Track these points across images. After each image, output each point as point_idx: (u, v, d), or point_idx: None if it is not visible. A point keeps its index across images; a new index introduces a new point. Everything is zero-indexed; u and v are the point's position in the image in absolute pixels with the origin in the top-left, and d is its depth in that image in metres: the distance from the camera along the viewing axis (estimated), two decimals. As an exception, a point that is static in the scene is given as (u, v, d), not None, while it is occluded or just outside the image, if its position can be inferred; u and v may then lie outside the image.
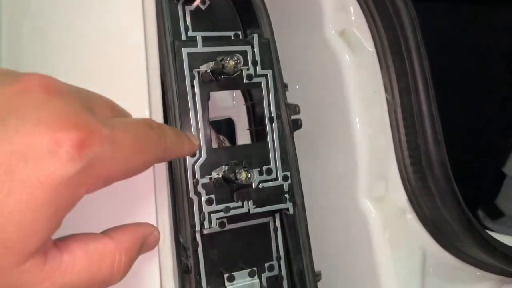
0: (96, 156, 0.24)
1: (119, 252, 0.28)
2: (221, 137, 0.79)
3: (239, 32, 0.64)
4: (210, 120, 0.74)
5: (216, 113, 0.72)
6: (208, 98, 0.63)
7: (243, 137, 0.71)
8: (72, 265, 0.25)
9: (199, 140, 0.55)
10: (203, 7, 0.62)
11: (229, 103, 0.72)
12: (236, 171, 0.54)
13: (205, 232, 0.57)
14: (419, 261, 0.60)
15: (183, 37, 0.60)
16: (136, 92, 0.46)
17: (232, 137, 0.76)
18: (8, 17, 0.56)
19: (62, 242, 0.26)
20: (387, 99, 0.58)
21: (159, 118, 0.51)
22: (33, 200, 0.21)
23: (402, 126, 0.57)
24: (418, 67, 0.56)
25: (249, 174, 0.53)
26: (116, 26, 0.47)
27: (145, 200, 0.47)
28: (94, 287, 0.27)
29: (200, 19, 0.63)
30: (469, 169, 0.63)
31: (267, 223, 0.65)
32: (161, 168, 0.50)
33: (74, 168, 0.22)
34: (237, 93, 0.69)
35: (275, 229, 0.65)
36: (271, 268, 0.63)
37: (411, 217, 0.60)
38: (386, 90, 0.58)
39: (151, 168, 0.49)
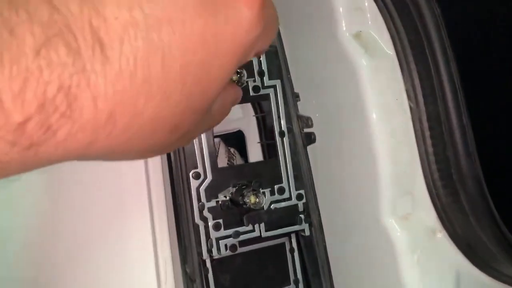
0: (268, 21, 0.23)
1: None
2: (232, 150, 0.74)
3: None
4: (219, 133, 0.70)
5: (225, 126, 0.68)
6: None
7: (255, 149, 0.66)
8: None
9: (204, 160, 0.51)
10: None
11: (238, 115, 0.67)
12: (244, 194, 0.49)
13: (215, 257, 0.53)
14: (453, 284, 0.54)
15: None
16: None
17: (243, 150, 0.72)
18: None
19: None
20: (410, 106, 0.52)
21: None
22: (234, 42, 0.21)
23: (428, 136, 0.51)
24: (444, 71, 0.49)
25: (257, 199, 0.49)
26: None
27: (141, 231, 0.43)
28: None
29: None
30: (505, 183, 0.56)
31: (283, 244, 0.60)
32: (159, 193, 0.45)
33: (257, 31, 0.22)
34: (247, 104, 0.64)
35: (292, 250, 0.60)
36: (288, 293, 0.58)
37: (441, 236, 0.54)
38: (409, 97, 0.52)
39: (146, 194, 0.45)
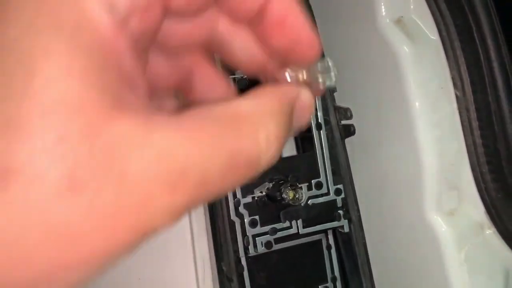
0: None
1: (261, 115, 0.20)
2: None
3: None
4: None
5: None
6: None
7: (288, 145, 0.64)
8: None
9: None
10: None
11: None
12: (282, 190, 0.47)
13: (250, 254, 0.51)
14: (502, 283, 0.51)
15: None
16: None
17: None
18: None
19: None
20: (456, 95, 0.49)
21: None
22: None
23: (477, 127, 0.48)
24: (495, 56, 0.46)
25: (297, 194, 0.47)
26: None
27: (180, 229, 0.41)
28: (234, 170, 0.19)
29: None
30: None
31: (320, 241, 0.58)
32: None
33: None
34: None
35: (329, 247, 0.58)
36: (326, 291, 0.56)
37: (490, 232, 0.51)
38: (455, 85, 0.49)
39: None
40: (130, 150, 0.16)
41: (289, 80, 0.24)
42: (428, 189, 0.50)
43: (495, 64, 0.46)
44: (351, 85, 0.55)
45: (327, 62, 0.24)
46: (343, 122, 0.53)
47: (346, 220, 0.52)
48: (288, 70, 0.24)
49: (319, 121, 0.52)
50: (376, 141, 0.54)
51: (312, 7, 0.56)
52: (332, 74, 0.24)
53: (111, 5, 0.17)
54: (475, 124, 0.49)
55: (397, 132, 0.52)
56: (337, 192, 0.52)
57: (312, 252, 0.57)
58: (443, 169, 0.50)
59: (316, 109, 0.52)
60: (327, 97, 0.52)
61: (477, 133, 0.49)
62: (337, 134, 0.52)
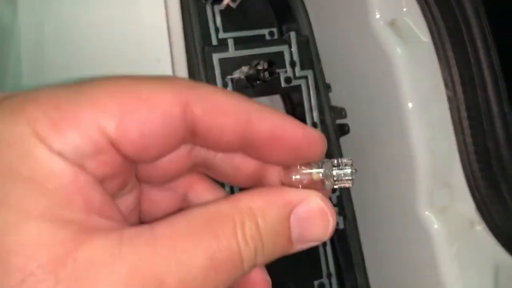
0: None
1: (243, 214, 0.19)
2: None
3: (274, 30, 0.59)
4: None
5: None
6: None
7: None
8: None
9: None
10: (233, 5, 0.57)
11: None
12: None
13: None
14: (492, 278, 0.53)
15: (214, 40, 0.55)
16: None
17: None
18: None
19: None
20: (448, 96, 0.51)
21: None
22: None
23: (467, 126, 0.50)
24: (484, 57, 0.48)
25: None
26: (139, 37, 0.42)
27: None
28: (216, 271, 0.18)
29: (231, 18, 0.57)
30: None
31: (315, 238, 0.59)
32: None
33: None
34: (276, 97, 0.64)
35: (324, 244, 0.59)
36: (321, 287, 0.57)
37: (480, 228, 0.52)
38: (446, 86, 0.51)
39: None
40: (99, 271, 0.16)
41: (293, 180, 0.22)
42: (421, 186, 0.52)
43: (484, 65, 0.48)
44: (345, 85, 0.57)
45: (341, 161, 0.22)
46: (338, 121, 0.54)
47: (341, 217, 0.54)
48: (293, 173, 0.22)
49: (315, 120, 0.53)
50: (370, 140, 0.56)
51: (307, 6, 0.57)
52: (349, 171, 0.22)
53: (61, 152, 0.18)
54: (465, 123, 0.50)
55: (390, 131, 0.53)
56: (332, 190, 0.53)
57: (308, 249, 0.58)
58: (435, 167, 0.51)
59: (311, 109, 0.53)
60: (322, 97, 0.53)
61: (467, 132, 0.50)
62: (332, 133, 0.54)
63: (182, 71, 0.45)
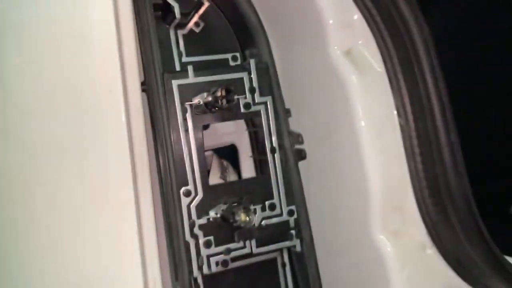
0: None
1: None
2: (225, 162, 0.75)
3: (237, 54, 0.60)
4: (213, 147, 0.70)
5: (217, 140, 0.68)
6: (206, 127, 0.59)
7: (248, 163, 0.66)
8: None
9: (195, 177, 0.51)
10: (197, 30, 0.58)
11: (231, 129, 0.67)
12: (235, 212, 0.50)
13: (205, 273, 0.53)
14: (443, 300, 0.54)
15: (177, 64, 0.56)
16: (117, 136, 0.42)
17: (235, 162, 0.72)
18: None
19: None
20: (400, 124, 0.53)
21: (145, 157, 0.46)
22: None
23: (418, 154, 0.52)
24: (433, 89, 0.50)
25: (248, 217, 0.49)
26: (90, 64, 0.42)
27: (130, 251, 0.43)
28: None
29: (195, 42, 0.58)
30: (493, 200, 0.57)
31: (275, 259, 0.60)
32: (148, 209, 0.45)
33: None
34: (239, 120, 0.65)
35: (283, 265, 0.60)
36: (280, 308, 0.58)
37: (431, 252, 0.54)
38: (399, 114, 0.53)
39: (134, 211, 0.44)
40: None
41: None
42: (374, 210, 0.53)
43: (433, 96, 0.50)
44: (304, 111, 0.58)
45: None
46: (296, 146, 0.55)
47: (299, 240, 0.55)
48: None
49: (274, 145, 0.55)
50: (326, 165, 0.57)
51: (268, 32, 0.58)
52: None
53: None
54: (416, 150, 0.52)
55: (345, 156, 0.55)
56: (290, 213, 0.55)
57: (268, 270, 0.59)
58: (388, 192, 0.53)
59: (270, 134, 0.55)
60: (281, 122, 0.55)
61: (418, 159, 0.52)
62: (290, 158, 0.55)
63: (136, 100, 0.44)
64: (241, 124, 0.64)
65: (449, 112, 0.49)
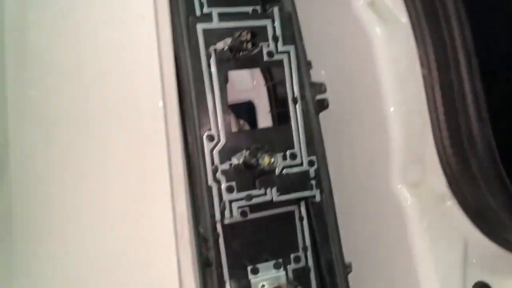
0: None
1: None
2: (241, 121, 0.75)
3: (258, 7, 0.60)
4: (229, 104, 0.70)
5: (235, 96, 0.68)
6: (226, 80, 0.59)
7: (265, 120, 0.66)
8: None
9: (218, 123, 0.51)
10: (219, -19, 0.57)
11: (248, 85, 0.67)
12: (258, 156, 0.50)
13: (226, 222, 0.53)
14: (461, 251, 0.55)
15: (198, 14, 0.56)
16: (148, 74, 0.42)
17: (252, 120, 0.72)
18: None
19: None
20: (423, 74, 0.53)
21: (173, 101, 0.47)
22: None
23: (440, 104, 0.52)
24: (458, 37, 0.50)
25: (272, 159, 0.49)
26: (124, 7, 0.43)
27: (161, 190, 0.43)
28: None
29: (216, -6, 0.58)
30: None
31: (292, 212, 0.60)
32: (177, 155, 0.46)
33: None
34: (257, 75, 0.65)
35: (301, 218, 0.60)
36: (297, 260, 0.59)
37: (451, 204, 0.54)
38: (422, 65, 0.53)
39: (165, 154, 0.45)
40: None
41: None
42: (395, 161, 0.54)
43: (458, 44, 0.50)
44: (326, 63, 0.58)
45: None
46: (318, 96, 0.55)
47: (318, 190, 0.55)
48: None
49: (295, 95, 0.55)
50: (347, 116, 0.57)
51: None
52: None
53: None
54: (439, 101, 0.52)
55: (367, 107, 0.55)
56: (310, 163, 0.55)
57: (285, 222, 0.59)
58: (409, 143, 0.53)
59: (292, 84, 0.54)
60: (303, 73, 0.55)
61: (440, 109, 0.52)
62: (312, 108, 0.55)
63: (167, 39, 0.45)
64: (259, 80, 0.64)
65: (475, 60, 0.49)
